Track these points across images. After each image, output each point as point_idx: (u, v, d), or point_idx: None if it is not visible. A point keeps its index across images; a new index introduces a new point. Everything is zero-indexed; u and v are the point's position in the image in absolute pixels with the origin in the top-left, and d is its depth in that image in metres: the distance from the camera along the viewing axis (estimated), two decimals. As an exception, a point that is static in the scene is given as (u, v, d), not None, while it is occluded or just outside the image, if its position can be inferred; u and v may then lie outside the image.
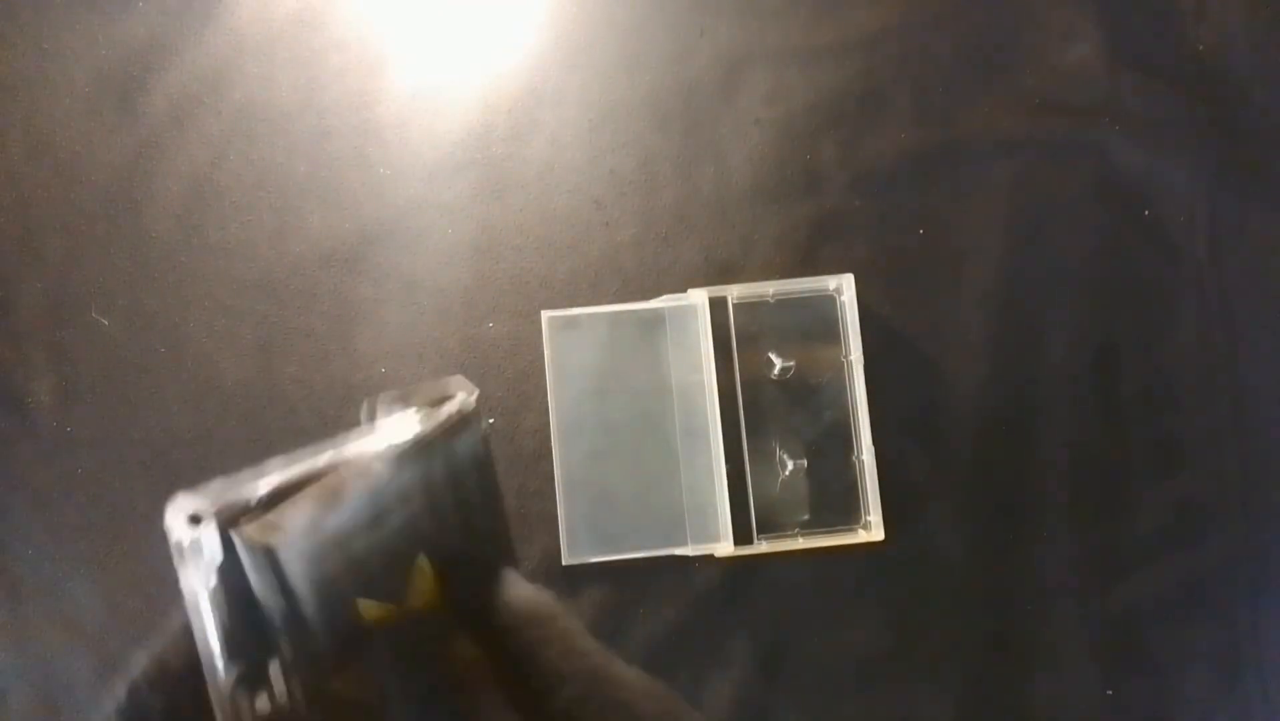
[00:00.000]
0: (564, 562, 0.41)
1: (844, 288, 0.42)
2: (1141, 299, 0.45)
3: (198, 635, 0.21)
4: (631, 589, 0.43)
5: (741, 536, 0.40)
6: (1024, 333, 0.44)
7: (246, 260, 0.46)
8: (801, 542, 0.41)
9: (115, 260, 0.46)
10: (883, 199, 0.45)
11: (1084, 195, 0.45)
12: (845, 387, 0.41)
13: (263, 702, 0.20)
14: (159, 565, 0.44)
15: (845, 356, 0.41)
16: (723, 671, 0.42)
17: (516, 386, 0.44)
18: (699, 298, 0.41)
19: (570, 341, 0.42)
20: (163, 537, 0.46)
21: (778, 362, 0.42)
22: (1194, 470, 0.44)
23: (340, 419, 0.45)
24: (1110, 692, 0.43)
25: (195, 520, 0.21)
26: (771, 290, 0.42)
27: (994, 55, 0.46)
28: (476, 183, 0.46)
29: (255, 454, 0.45)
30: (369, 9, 0.47)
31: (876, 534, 0.41)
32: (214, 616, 0.20)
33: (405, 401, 0.24)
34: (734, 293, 0.41)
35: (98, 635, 0.44)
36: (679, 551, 0.41)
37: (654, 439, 0.42)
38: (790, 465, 0.42)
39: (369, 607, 0.23)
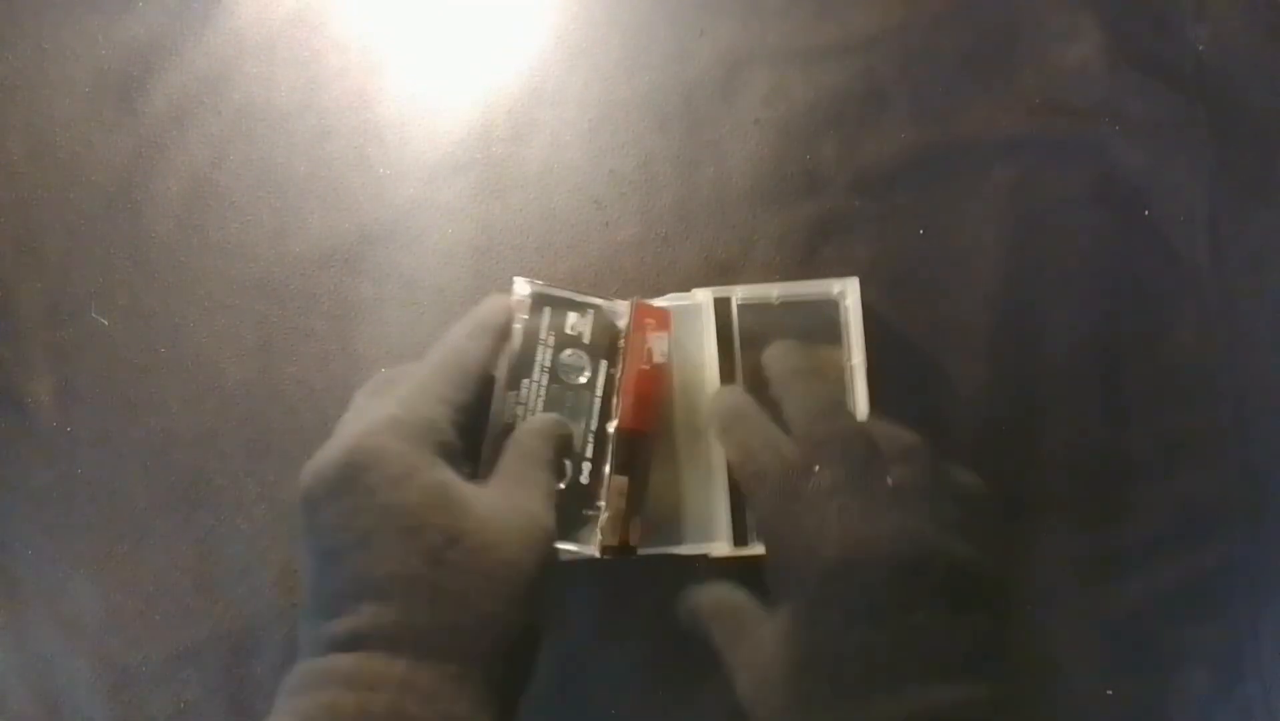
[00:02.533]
0: (561, 558, 0.41)
1: (848, 292, 0.41)
2: (1142, 298, 0.45)
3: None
4: (632, 588, 0.43)
5: (740, 537, 0.40)
6: (1024, 333, 0.44)
7: (246, 260, 0.46)
8: None
9: (115, 260, 0.46)
10: (883, 199, 0.45)
11: (1084, 195, 0.45)
12: (846, 392, 0.41)
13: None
14: (158, 565, 0.44)
15: (847, 361, 0.41)
16: (723, 671, 0.42)
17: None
18: (704, 297, 0.41)
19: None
20: (161, 538, 0.46)
21: None
22: (1195, 470, 0.44)
23: (341, 418, 0.45)
24: (1110, 692, 0.43)
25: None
26: (776, 292, 0.41)
27: (994, 55, 0.46)
28: (476, 183, 0.46)
29: (255, 454, 0.45)
30: (369, 9, 0.47)
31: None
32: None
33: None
34: (738, 294, 0.41)
35: (97, 636, 0.44)
36: (677, 550, 0.41)
37: (654, 438, 0.42)
38: None
39: None
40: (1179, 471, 0.44)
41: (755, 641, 0.32)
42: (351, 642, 0.27)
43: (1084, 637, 0.43)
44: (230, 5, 0.47)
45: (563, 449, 0.36)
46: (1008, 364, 0.44)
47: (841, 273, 0.43)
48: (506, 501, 0.31)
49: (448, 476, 0.30)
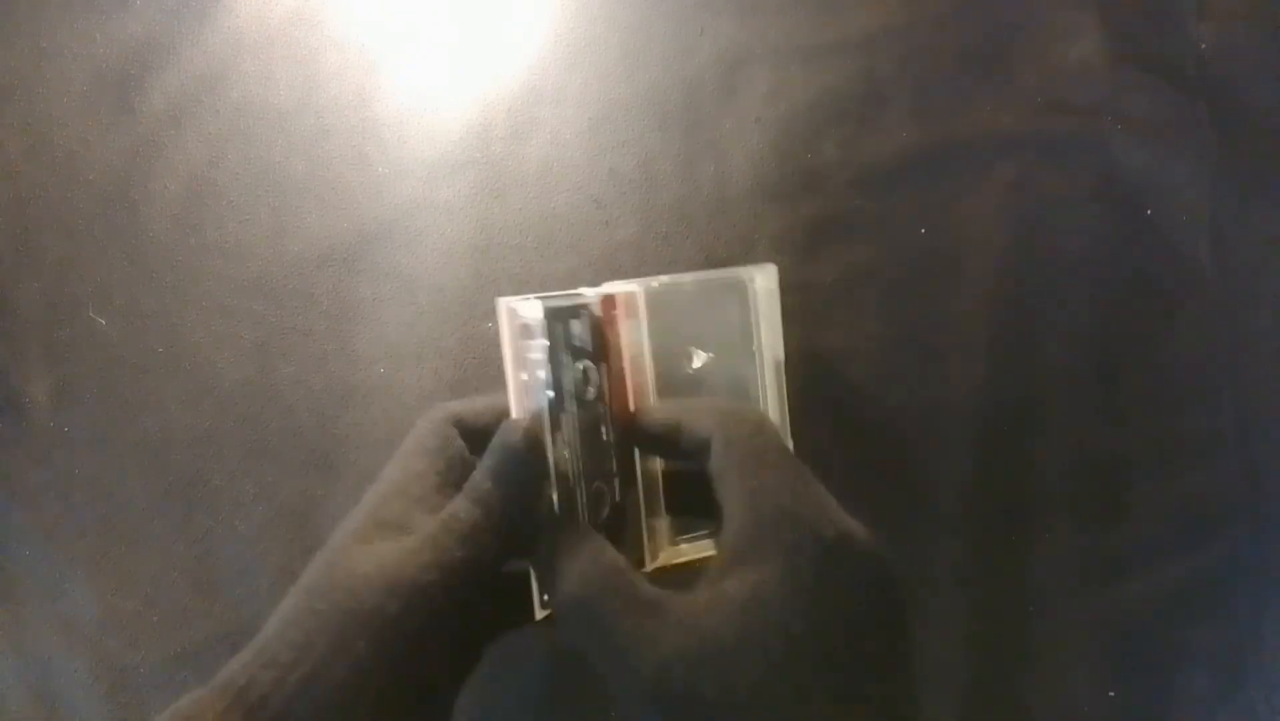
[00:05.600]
0: None
1: (757, 276, 0.38)
2: (1143, 298, 0.45)
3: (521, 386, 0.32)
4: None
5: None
6: (1025, 332, 0.44)
7: (244, 260, 0.46)
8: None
9: (113, 260, 0.46)
10: (884, 198, 0.45)
11: (1085, 194, 0.45)
12: (757, 380, 0.39)
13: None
14: (156, 566, 0.44)
15: (757, 349, 0.38)
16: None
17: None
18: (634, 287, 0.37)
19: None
20: (159, 539, 0.46)
21: (697, 356, 0.39)
22: (1196, 470, 0.44)
23: (339, 419, 0.45)
24: (1112, 694, 0.43)
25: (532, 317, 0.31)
26: (690, 279, 0.38)
27: (995, 54, 0.46)
28: (475, 181, 0.46)
29: (253, 455, 0.45)
30: (367, 7, 0.47)
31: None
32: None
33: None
34: (658, 282, 0.38)
35: (95, 636, 0.44)
36: None
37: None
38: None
39: None
40: (1180, 471, 0.44)
41: (704, 604, 0.27)
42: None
43: (1085, 639, 0.43)
44: (228, 3, 0.47)
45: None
46: (1008, 363, 0.44)
47: (842, 271, 0.43)
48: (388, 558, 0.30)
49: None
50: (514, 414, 0.31)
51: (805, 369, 0.44)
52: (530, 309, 0.31)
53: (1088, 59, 0.46)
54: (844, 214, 0.45)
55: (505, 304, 0.31)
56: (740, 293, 0.39)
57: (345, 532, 0.31)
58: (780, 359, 0.39)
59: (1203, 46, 0.46)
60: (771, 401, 0.39)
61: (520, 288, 0.45)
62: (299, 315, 0.45)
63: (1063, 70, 0.46)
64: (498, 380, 0.44)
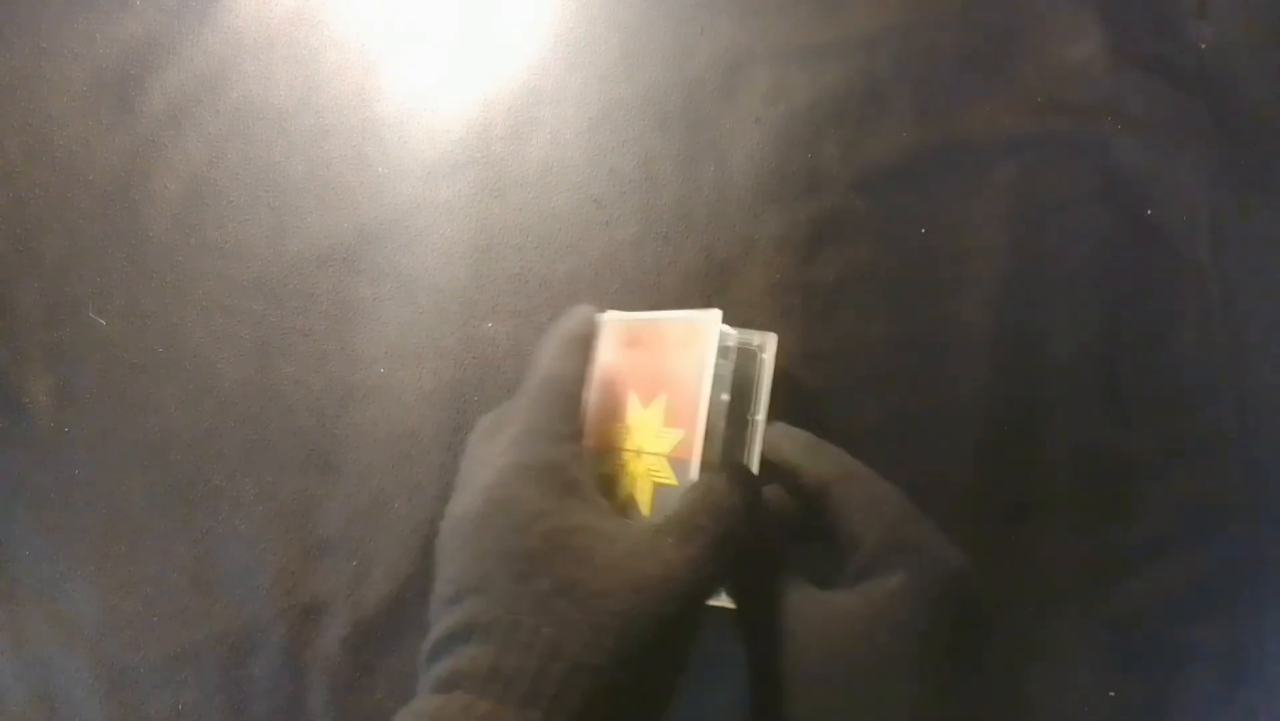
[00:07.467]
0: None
1: (766, 345, 0.39)
2: (1144, 298, 0.45)
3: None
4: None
5: None
6: (1026, 333, 0.44)
7: (244, 260, 0.46)
8: None
9: (113, 260, 0.46)
10: (884, 198, 0.45)
11: (1086, 194, 0.45)
12: (745, 444, 0.39)
13: None
14: (156, 566, 0.44)
15: (752, 415, 0.39)
16: (722, 672, 0.42)
17: (514, 387, 0.44)
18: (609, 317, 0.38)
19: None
20: (159, 539, 0.46)
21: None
22: (1197, 470, 0.44)
23: (339, 419, 0.45)
24: (1112, 694, 0.43)
25: None
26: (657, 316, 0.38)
27: (996, 54, 0.46)
28: (475, 181, 0.46)
29: (253, 454, 0.45)
30: (367, 7, 0.47)
31: (726, 601, 0.37)
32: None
33: None
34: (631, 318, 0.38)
35: (95, 637, 0.44)
36: None
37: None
38: None
39: None
40: (1181, 471, 0.44)
41: (846, 610, 0.33)
42: (447, 684, 0.27)
43: (1086, 638, 0.43)
44: (228, 3, 0.47)
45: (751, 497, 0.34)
46: (1009, 364, 0.44)
47: (842, 271, 0.42)
48: (648, 547, 0.30)
49: (577, 520, 0.30)
50: (700, 423, 0.33)
51: (806, 369, 0.44)
52: (727, 334, 0.35)
53: (1088, 59, 0.46)
54: (844, 214, 0.45)
55: (716, 322, 0.34)
56: (748, 358, 0.39)
57: (518, 464, 0.31)
58: (762, 423, 0.38)
59: (1203, 46, 0.46)
60: (752, 464, 0.38)
61: (520, 287, 0.45)
62: (299, 315, 0.45)
63: (1063, 70, 0.46)
64: (498, 380, 0.45)
